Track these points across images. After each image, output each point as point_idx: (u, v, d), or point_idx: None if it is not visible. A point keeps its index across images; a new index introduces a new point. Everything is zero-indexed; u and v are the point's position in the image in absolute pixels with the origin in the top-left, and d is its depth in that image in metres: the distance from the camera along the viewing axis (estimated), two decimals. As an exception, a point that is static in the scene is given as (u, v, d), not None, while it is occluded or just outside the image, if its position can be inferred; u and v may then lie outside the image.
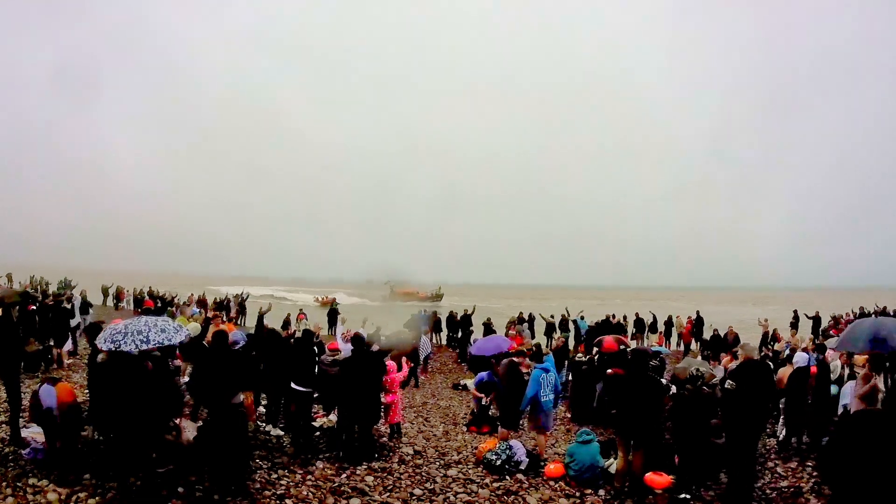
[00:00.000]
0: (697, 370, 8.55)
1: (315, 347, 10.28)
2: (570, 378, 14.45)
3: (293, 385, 9.02)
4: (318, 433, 9.49)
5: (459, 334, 25.23)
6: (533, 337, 23.50)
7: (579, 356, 15.03)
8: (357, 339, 9.16)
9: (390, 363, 10.16)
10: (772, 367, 10.37)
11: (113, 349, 6.50)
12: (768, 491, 7.92)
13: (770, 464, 9.08)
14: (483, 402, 11.74)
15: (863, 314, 25.02)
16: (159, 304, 25.31)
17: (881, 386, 7.55)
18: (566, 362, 15.26)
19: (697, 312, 26.34)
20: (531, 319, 26.01)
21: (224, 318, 26.93)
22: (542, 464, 8.71)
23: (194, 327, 10.81)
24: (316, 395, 9.67)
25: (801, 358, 10.33)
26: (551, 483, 8.10)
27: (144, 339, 6.56)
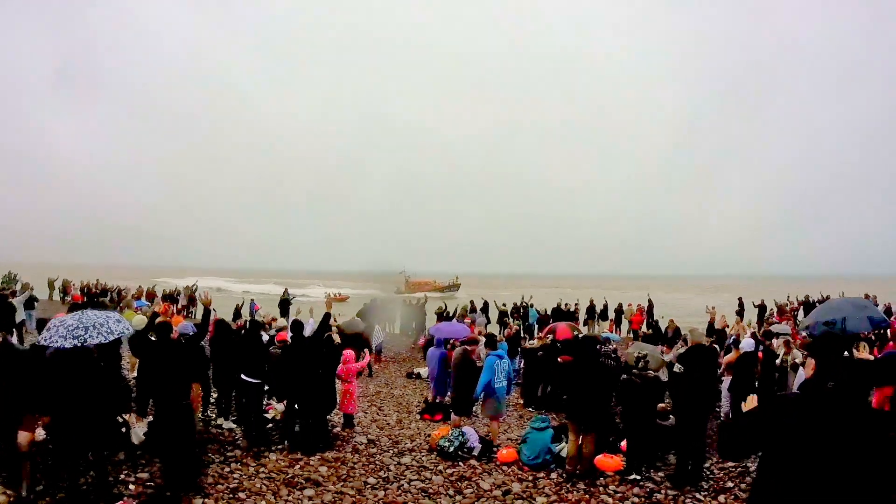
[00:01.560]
0: (644, 355, 8.80)
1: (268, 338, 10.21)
2: (522, 365, 14.67)
3: (243, 377, 8.93)
4: (270, 425, 9.44)
5: (413, 324, 25.41)
6: (488, 324, 23.72)
7: (531, 343, 15.23)
8: (295, 327, 9.12)
9: (348, 352, 10.12)
10: (718, 351, 10.78)
11: (52, 345, 6.32)
12: (716, 471, 8.20)
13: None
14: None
15: (807, 303, 25.94)
16: (104, 299, 24.75)
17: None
18: (519, 349, 15.48)
19: (649, 300, 27.04)
20: (485, 307, 26.24)
21: (174, 311, 26.51)
22: (495, 449, 8.83)
23: (139, 320, 10.58)
24: (267, 388, 9.60)
25: (747, 344, 10.75)
26: (504, 468, 8.22)
27: (108, 331, 6.40)
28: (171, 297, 30.43)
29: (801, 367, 10.21)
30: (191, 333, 9.69)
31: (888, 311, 25.60)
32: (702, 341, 8.46)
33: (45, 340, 6.13)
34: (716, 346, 10.52)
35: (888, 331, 13.97)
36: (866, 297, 19.85)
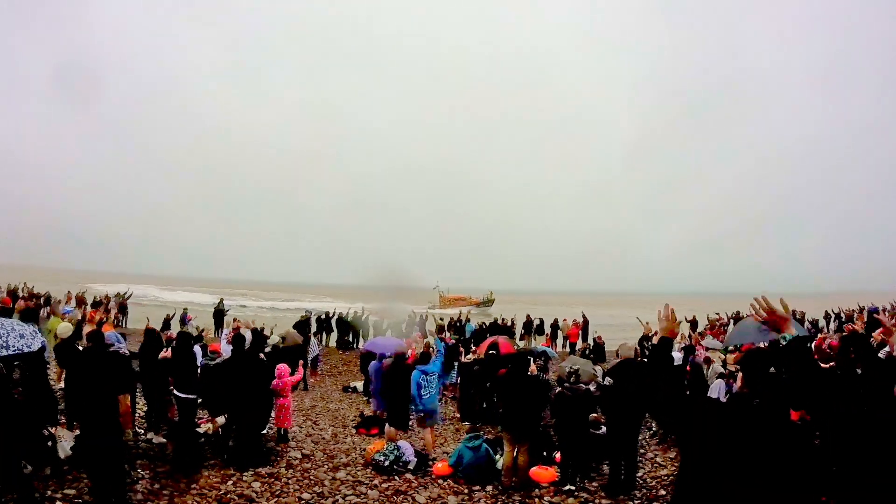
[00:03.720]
0: (576, 369, 9.05)
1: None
2: (459, 379, 14.80)
3: (175, 391, 8.73)
4: (202, 440, 9.25)
5: (350, 336, 25.25)
6: (425, 339, 23.72)
7: (469, 357, 15.38)
8: (237, 340, 9.01)
9: (282, 366, 10.04)
10: (647, 365, 11.13)
11: None
12: (649, 479, 8.43)
13: (650, 454, 9.68)
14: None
15: (738, 318, 26.95)
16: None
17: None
18: (455, 364, 15.61)
19: (583, 315, 27.69)
20: (423, 321, 26.26)
21: (102, 318, 25.53)
22: (431, 463, 8.89)
23: (65, 328, 10.17)
24: (199, 401, 9.42)
25: (676, 357, 11.14)
26: (440, 481, 8.27)
27: (3, 345, 6.19)
28: (100, 304, 29.35)
29: (718, 378, 10.71)
30: (115, 344, 9.38)
31: (815, 325, 26.99)
32: (630, 355, 8.76)
33: None
34: (645, 360, 10.86)
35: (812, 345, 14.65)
36: (793, 312, 20.76)
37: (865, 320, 20.01)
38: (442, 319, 25.93)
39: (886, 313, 21.03)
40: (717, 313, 30.09)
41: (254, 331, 8.62)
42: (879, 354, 6.00)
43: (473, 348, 17.10)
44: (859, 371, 5.99)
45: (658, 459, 9.40)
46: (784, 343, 2.85)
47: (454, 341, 18.12)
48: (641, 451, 9.40)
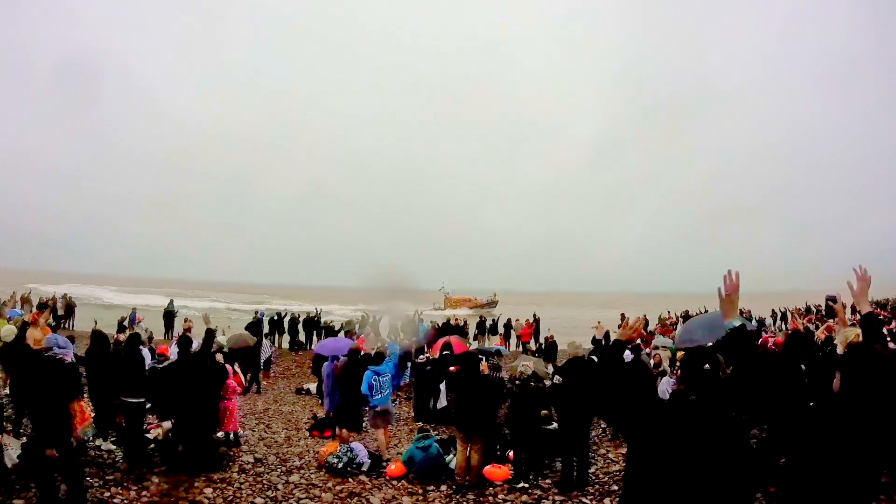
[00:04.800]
0: (526, 366, 9.23)
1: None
2: (412, 379, 14.89)
3: (122, 396, 8.55)
4: (152, 445, 9.12)
5: (303, 337, 25.11)
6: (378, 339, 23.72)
7: (422, 357, 15.47)
8: (183, 342, 8.90)
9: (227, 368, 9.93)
10: (597, 361, 11.43)
11: None
12: (601, 475, 8.62)
13: (602, 450, 9.92)
14: None
15: (686, 317, 27.68)
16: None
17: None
18: (409, 364, 15.68)
19: (535, 315, 28.10)
20: (376, 322, 26.23)
21: (46, 321, 24.73)
22: (385, 464, 8.92)
23: (8, 331, 9.87)
24: (148, 405, 9.26)
25: (625, 355, 11.44)
26: (394, 482, 8.31)
27: None
28: (44, 306, 28.42)
29: (666, 376, 11.05)
30: (54, 349, 9.11)
31: (761, 323, 27.95)
32: (579, 353, 8.98)
33: None
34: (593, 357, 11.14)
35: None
36: (741, 312, 21.38)
37: (824, 311, 20.68)
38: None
39: (847, 310, 21.84)
40: (669, 312, 30.87)
41: (207, 331, 8.45)
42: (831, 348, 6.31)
43: (428, 350, 17.20)
44: (803, 367, 6.31)
45: (610, 455, 9.63)
46: (727, 332, 2.99)
47: (408, 342, 18.17)
48: (594, 447, 9.60)
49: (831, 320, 13.27)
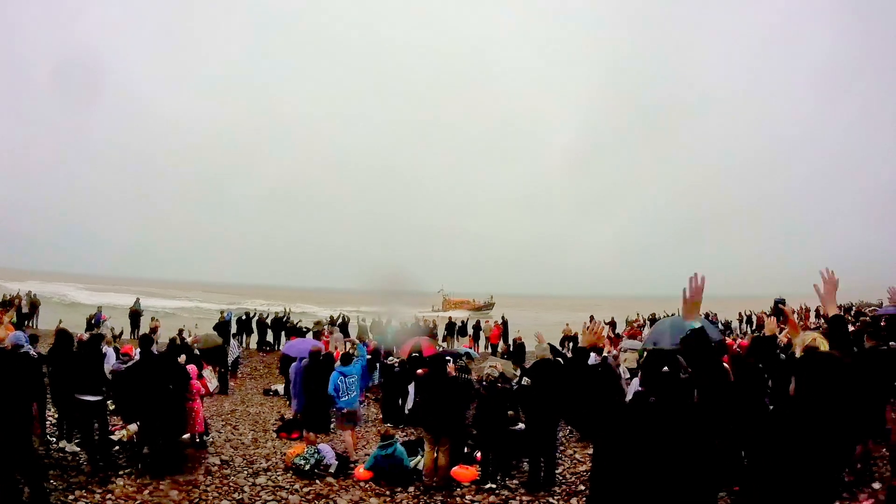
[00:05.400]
0: (493, 368, 9.33)
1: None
2: (381, 380, 14.92)
3: (77, 395, 8.38)
4: (117, 447, 9.02)
5: (272, 338, 24.95)
6: (347, 340, 23.64)
7: (391, 359, 15.51)
8: (144, 341, 8.82)
9: (189, 367, 9.85)
10: (563, 364, 11.59)
11: None
12: (568, 476, 8.72)
13: (570, 451, 10.04)
14: None
15: (654, 319, 28.14)
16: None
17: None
18: (378, 365, 15.72)
19: (503, 318, 28.31)
20: (345, 323, 26.15)
21: (12, 319, 24.24)
22: (352, 465, 8.95)
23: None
24: (112, 407, 9.14)
25: (591, 358, 11.61)
26: (361, 484, 8.33)
27: None
28: (8, 304, 27.81)
29: (633, 380, 11.26)
30: (26, 345, 8.98)
31: (728, 326, 28.52)
32: (546, 355, 9.10)
33: None
34: (559, 359, 11.28)
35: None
36: (706, 315, 21.82)
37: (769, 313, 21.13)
38: (364, 321, 26.00)
39: (795, 315, 22.39)
40: (638, 314, 31.35)
41: (176, 337, 8.37)
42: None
43: (397, 351, 17.27)
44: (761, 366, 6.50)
45: (577, 456, 9.75)
46: (687, 333, 3.08)
47: (377, 343, 18.20)
48: (560, 447, 9.70)
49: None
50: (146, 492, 7.34)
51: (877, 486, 6.61)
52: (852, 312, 24.69)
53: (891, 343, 7.85)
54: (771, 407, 3.48)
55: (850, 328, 7.05)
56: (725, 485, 4.26)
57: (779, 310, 15.98)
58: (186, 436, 9.47)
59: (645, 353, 13.62)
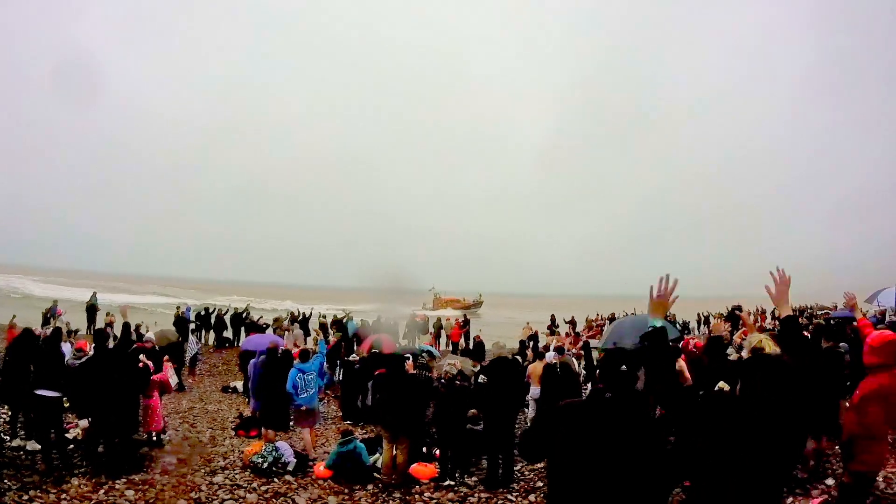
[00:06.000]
0: (452, 366, 9.47)
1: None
2: (341, 377, 14.96)
3: (35, 391, 8.26)
4: (72, 445, 8.89)
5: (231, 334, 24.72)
6: (307, 335, 23.54)
7: (353, 356, 15.56)
8: (98, 336, 8.73)
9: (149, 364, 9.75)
10: (521, 362, 11.83)
11: None
12: (526, 472, 8.84)
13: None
14: None
15: (613, 319, 28.62)
16: None
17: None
18: (338, 362, 15.75)
19: (465, 315, 28.55)
20: (305, 320, 26.00)
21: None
22: (311, 463, 8.99)
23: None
24: (68, 404, 9.00)
25: (550, 356, 11.84)
26: (320, 482, 8.38)
27: None
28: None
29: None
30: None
31: (685, 326, 29.17)
32: (503, 353, 9.27)
33: None
34: (518, 357, 11.48)
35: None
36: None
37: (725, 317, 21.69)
38: (324, 317, 25.93)
39: (751, 316, 23.07)
40: (598, 314, 31.87)
41: (125, 325, 8.24)
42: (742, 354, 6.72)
43: (358, 348, 17.30)
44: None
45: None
46: (647, 330, 3.20)
47: (337, 340, 18.20)
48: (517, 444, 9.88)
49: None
50: (102, 491, 7.28)
51: (830, 482, 6.89)
52: (805, 315, 25.52)
53: (841, 344, 8.23)
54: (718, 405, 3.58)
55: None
56: (678, 481, 4.44)
57: (735, 316, 16.44)
58: (144, 434, 9.43)
59: (604, 353, 13.93)
